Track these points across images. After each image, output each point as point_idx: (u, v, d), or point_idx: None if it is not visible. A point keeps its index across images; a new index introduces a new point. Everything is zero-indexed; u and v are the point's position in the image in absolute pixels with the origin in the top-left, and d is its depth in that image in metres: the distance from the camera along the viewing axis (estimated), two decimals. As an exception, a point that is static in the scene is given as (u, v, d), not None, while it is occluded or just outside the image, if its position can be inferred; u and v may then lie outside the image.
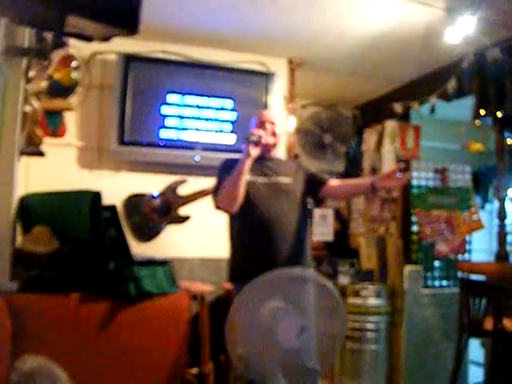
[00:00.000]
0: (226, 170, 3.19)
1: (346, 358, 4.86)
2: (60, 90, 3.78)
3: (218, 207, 3.21)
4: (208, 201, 4.21)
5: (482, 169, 5.96)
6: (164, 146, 4.53)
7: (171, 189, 4.46)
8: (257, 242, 3.05)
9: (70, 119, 4.36)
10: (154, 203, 4.42)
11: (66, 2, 2.29)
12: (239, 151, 4.17)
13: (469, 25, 3.74)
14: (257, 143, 3.01)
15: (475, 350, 4.65)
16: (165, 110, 4.57)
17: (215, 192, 3.22)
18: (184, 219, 4.46)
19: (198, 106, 4.64)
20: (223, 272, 4.51)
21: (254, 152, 3.00)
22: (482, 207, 6.13)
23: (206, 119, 4.66)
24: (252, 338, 2.44)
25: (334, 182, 3.32)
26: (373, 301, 4.90)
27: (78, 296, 3.18)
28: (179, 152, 4.54)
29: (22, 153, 3.49)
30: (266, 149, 3.24)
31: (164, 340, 3.41)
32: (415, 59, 4.77)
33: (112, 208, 3.75)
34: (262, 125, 3.28)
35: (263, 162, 3.24)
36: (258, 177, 3.17)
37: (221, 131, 4.69)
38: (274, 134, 3.28)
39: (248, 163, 3.00)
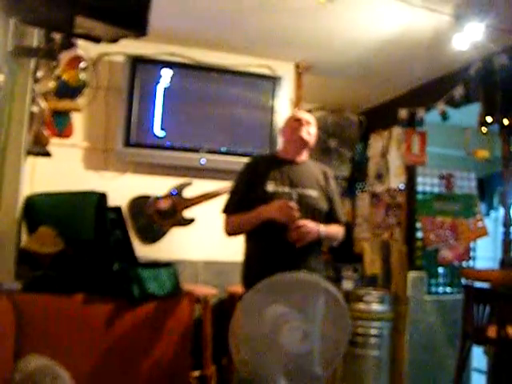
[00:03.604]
0: (246, 177, 3.17)
1: (348, 363, 4.85)
2: (68, 90, 3.79)
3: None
4: (213, 204, 4.23)
5: (488, 176, 5.94)
6: (170, 149, 4.53)
7: (176, 191, 4.47)
8: (279, 254, 2.97)
9: (77, 120, 4.38)
10: (159, 205, 4.43)
11: (74, 2, 2.30)
12: (244, 155, 4.19)
13: (476, 31, 3.73)
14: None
15: (478, 357, 4.64)
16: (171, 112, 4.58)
17: (226, 207, 3.19)
18: (189, 222, 4.47)
19: (204, 109, 4.64)
20: (227, 275, 4.54)
21: (280, 218, 2.92)
22: (487, 214, 6.11)
23: (212, 122, 4.66)
24: (255, 342, 2.43)
25: None
26: (376, 306, 4.90)
27: (81, 297, 3.19)
28: (185, 154, 4.55)
29: (29, 153, 3.49)
30: (302, 147, 3.21)
31: (167, 342, 3.41)
32: (422, 65, 4.76)
33: (117, 209, 3.76)
34: (300, 122, 3.20)
35: (291, 168, 3.17)
36: (284, 187, 3.06)
37: (227, 134, 4.69)
38: (309, 134, 3.21)
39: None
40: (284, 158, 3.23)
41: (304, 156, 3.26)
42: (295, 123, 3.21)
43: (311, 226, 2.94)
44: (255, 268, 3.04)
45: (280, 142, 3.40)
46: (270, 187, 3.05)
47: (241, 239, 3.19)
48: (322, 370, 2.57)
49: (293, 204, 2.92)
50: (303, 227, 2.90)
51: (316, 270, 2.97)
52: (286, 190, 3.06)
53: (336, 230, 3.19)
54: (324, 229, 3.02)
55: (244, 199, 3.11)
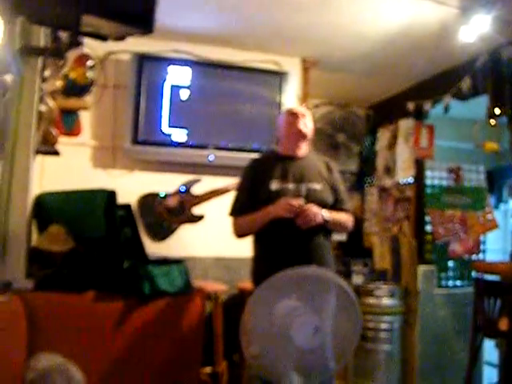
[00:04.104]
0: (249, 177, 3.19)
1: (359, 357, 4.85)
2: (75, 89, 3.80)
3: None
4: (222, 200, 4.23)
5: (497, 168, 5.92)
6: (178, 146, 4.53)
7: (185, 188, 4.48)
8: (285, 250, 2.98)
9: (85, 118, 4.38)
10: (168, 202, 4.43)
11: (81, 1, 2.30)
12: (252, 150, 4.18)
13: (483, 23, 3.72)
14: (295, 213, 2.92)
15: (490, 350, 4.63)
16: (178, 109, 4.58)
17: (233, 209, 3.20)
18: (198, 218, 4.47)
19: (211, 106, 4.64)
20: (237, 271, 4.55)
21: (286, 215, 2.93)
22: (496, 207, 6.09)
23: (220, 118, 4.66)
24: (266, 337, 2.43)
25: None
26: (386, 301, 4.89)
27: (92, 294, 3.20)
28: (193, 151, 4.55)
29: (38, 152, 3.51)
30: (301, 140, 3.20)
31: (178, 339, 3.42)
32: (429, 58, 4.75)
33: (127, 207, 3.77)
34: (295, 115, 3.20)
35: (293, 163, 3.16)
36: (288, 183, 3.06)
37: (234, 131, 4.68)
38: (306, 126, 3.21)
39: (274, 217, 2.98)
40: (285, 154, 3.23)
41: (304, 149, 3.26)
42: (291, 117, 3.22)
43: (315, 209, 2.95)
44: (265, 265, 3.04)
45: (278, 140, 3.37)
46: (274, 185, 3.05)
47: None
48: (334, 364, 2.57)
49: (297, 201, 2.94)
50: (307, 210, 2.91)
51: (326, 265, 2.97)
52: (290, 186, 3.07)
53: (343, 217, 3.18)
54: (327, 213, 3.02)
55: (249, 200, 3.12)
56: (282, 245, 3.00)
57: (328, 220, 3.01)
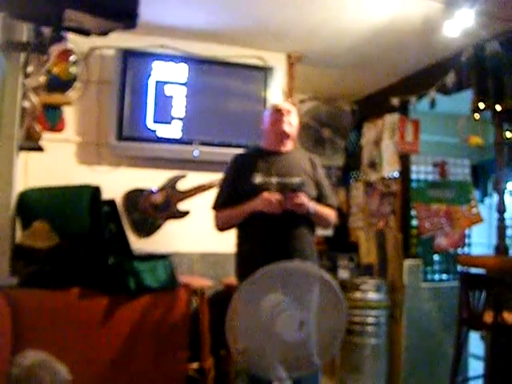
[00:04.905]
0: (233, 172, 3.20)
1: (346, 352, 4.86)
2: (58, 84, 3.77)
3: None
4: (207, 196, 4.23)
5: (481, 162, 5.95)
6: (163, 141, 4.51)
7: (170, 184, 4.47)
8: (267, 243, 3.00)
9: (69, 114, 4.35)
10: (154, 198, 4.42)
11: (63, -4, 2.28)
12: (238, 146, 4.18)
13: (467, 18, 3.73)
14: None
15: (475, 343, 4.65)
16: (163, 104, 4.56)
17: (215, 203, 3.23)
18: (183, 214, 4.46)
19: (196, 101, 4.63)
20: (222, 267, 4.55)
21: (273, 210, 2.95)
22: (482, 201, 6.12)
23: (205, 114, 4.64)
24: (252, 332, 2.43)
25: None
26: (373, 295, 4.90)
27: (77, 291, 3.18)
28: (178, 147, 4.53)
29: (21, 148, 3.48)
30: (285, 139, 3.21)
31: (164, 335, 3.41)
32: (414, 53, 4.76)
33: (111, 203, 3.75)
34: (280, 113, 3.21)
35: (276, 158, 3.18)
36: (271, 177, 3.08)
37: (219, 126, 4.67)
38: (291, 125, 3.23)
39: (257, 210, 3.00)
40: (268, 149, 3.25)
41: (288, 146, 3.27)
42: (275, 115, 3.23)
43: (304, 198, 2.97)
44: (248, 259, 3.07)
45: (262, 134, 3.38)
46: (257, 179, 3.07)
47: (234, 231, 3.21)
48: (319, 358, 2.57)
49: (278, 196, 2.94)
50: (297, 197, 2.94)
51: (308, 258, 2.99)
52: (273, 180, 3.07)
53: (327, 212, 3.20)
54: (313, 205, 3.04)
55: (232, 194, 3.14)
56: (263, 238, 3.02)
57: (312, 212, 3.03)
